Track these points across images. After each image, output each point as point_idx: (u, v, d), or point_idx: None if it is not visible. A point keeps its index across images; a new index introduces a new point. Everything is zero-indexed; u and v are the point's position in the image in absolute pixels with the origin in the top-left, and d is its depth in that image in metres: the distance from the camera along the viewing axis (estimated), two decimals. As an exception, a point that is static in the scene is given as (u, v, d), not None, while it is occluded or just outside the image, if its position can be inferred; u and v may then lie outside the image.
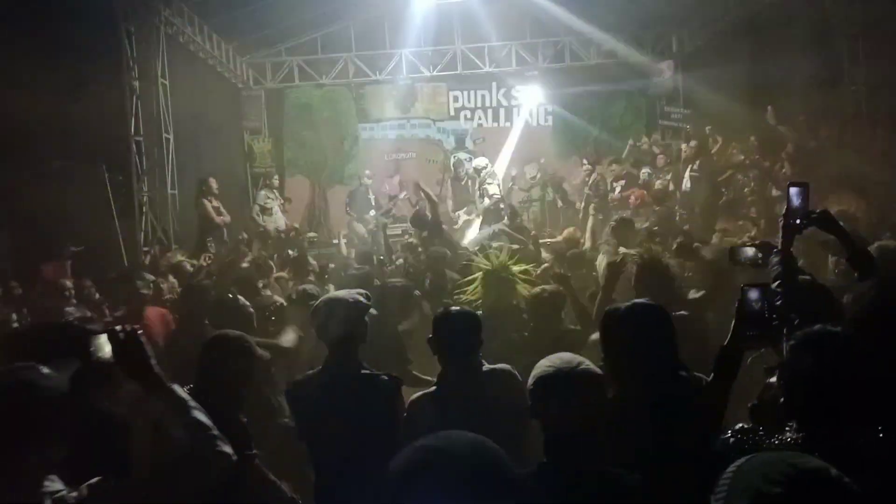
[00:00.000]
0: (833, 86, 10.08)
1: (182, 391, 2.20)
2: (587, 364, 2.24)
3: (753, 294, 2.42)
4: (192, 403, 2.18)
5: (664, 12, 12.92)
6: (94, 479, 2.01)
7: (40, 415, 1.97)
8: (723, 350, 2.47)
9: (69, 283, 6.72)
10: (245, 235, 10.68)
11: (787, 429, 1.97)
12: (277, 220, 12.75)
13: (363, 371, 3.22)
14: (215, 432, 2.15)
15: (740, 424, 2.04)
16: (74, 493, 1.97)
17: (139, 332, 2.21)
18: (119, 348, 2.17)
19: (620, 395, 2.58)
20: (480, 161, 13.51)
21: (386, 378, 3.20)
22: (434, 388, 3.10)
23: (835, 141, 9.74)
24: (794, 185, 2.96)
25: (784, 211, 2.93)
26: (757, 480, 1.30)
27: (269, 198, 13.03)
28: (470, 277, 5.07)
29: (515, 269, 4.95)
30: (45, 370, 2.05)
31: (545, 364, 2.24)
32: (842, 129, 9.89)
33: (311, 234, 13.33)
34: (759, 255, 3.03)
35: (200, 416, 2.16)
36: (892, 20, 8.78)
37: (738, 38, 11.86)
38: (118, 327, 2.20)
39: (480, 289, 4.89)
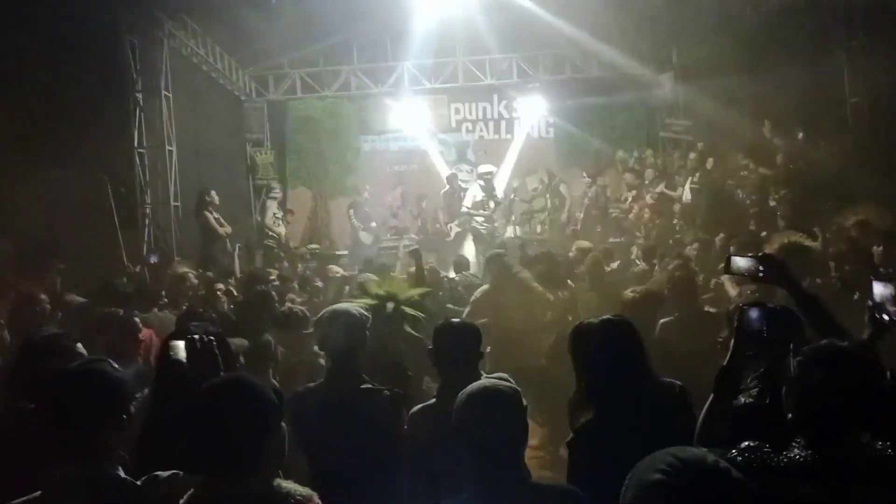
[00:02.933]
0: (833, 98, 10.10)
1: None
2: (506, 385, 2.33)
3: (753, 313, 2.38)
4: None
5: (664, 25, 12.98)
6: (166, 473, 2.20)
7: (112, 398, 2.21)
8: (722, 369, 2.43)
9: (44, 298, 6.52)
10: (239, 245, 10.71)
11: (794, 444, 1.96)
12: (282, 231, 12.85)
13: (365, 385, 3.23)
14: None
15: (746, 442, 2.03)
16: (139, 482, 2.17)
17: (214, 341, 2.50)
18: (194, 354, 2.45)
19: (596, 414, 2.62)
20: (486, 167, 13.54)
21: (388, 392, 3.21)
22: (434, 400, 3.10)
23: (834, 153, 9.75)
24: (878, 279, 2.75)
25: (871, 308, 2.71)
26: (642, 472, 1.35)
27: (277, 208, 13.19)
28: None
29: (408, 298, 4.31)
30: (114, 363, 2.32)
31: (469, 387, 2.32)
32: (842, 142, 9.90)
33: (314, 246, 13.37)
34: (759, 267, 2.85)
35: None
36: (891, 32, 8.82)
37: (737, 51, 11.90)
38: (196, 336, 2.50)
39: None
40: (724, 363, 2.42)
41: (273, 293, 5.91)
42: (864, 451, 1.88)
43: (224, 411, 2.01)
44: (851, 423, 1.90)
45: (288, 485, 2.06)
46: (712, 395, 2.44)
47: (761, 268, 2.85)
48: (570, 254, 7.89)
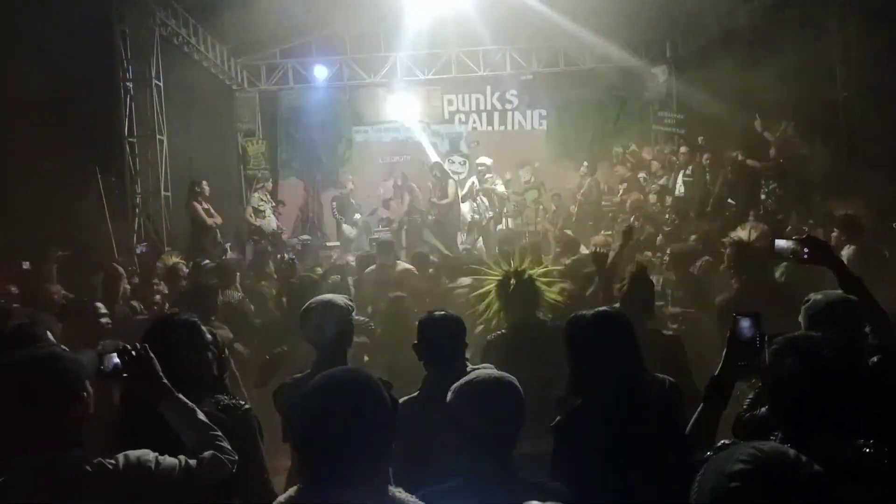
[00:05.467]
0: (825, 93, 10.12)
1: (186, 399, 2.42)
2: (504, 374, 2.34)
3: (745, 322, 2.33)
4: (198, 409, 2.42)
5: (658, 18, 12.97)
6: (135, 451, 2.22)
7: (66, 381, 2.20)
8: (713, 379, 2.42)
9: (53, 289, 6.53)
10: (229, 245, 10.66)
11: (771, 438, 1.97)
12: (270, 222, 12.77)
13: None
14: (219, 433, 2.39)
15: (723, 441, 2.04)
16: (112, 461, 2.18)
17: (148, 348, 2.44)
18: (130, 363, 2.39)
19: (585, 402, 2.63)
20: (485, 159, 13.51)
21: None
22: (419, 392, 3.10)
23: (826, 148, 9.79)
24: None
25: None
26: (723, 463, 1.36)
27: (262, 200, 13.04)
28: (479, 292, 4.25)
29: (536, 271, 4.17)
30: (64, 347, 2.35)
31: (474, 374, 2.34)
32: (834, 137, 9.94)
33: (305, 237, 13.34)
34: (804, 248, 2.87)
35: (205, 419, 2.41)
36: (885, 28, 8.83)
37: (731, 44, 11.91)
38: (129, 345, 2.43)
39: (496, 303, 4.10)
40: (716, 372, 2.41)
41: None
42: (840, 445, 1.89)
43: (341, 409, 1.80)
44: (825, 414, 1.90)
45: (402, 494, 1.90)
46: (702, 404, 2.44)
47: (805, 249, 2.88)
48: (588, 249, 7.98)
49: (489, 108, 15.76)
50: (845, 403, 1.93)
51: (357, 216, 13.76)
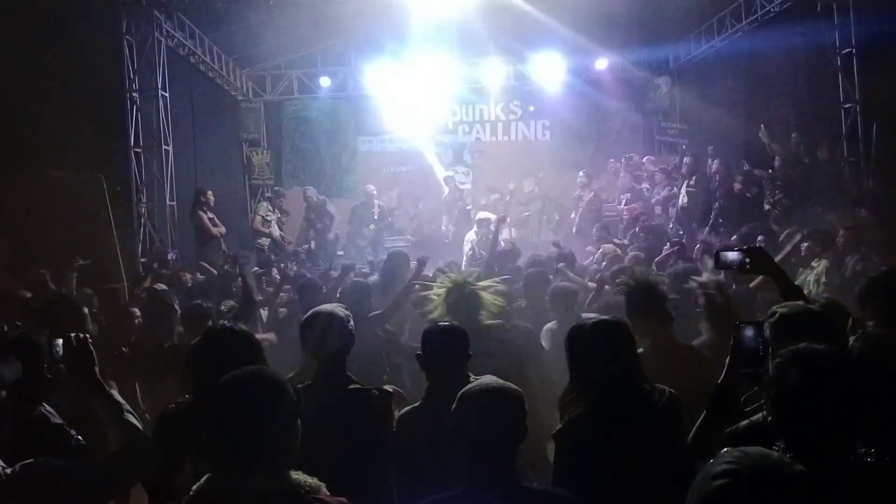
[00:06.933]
0: (827, 103, 10.15)
1: (118, 395, 2.49)
2: (507, 384, 2.35)
3: (748, 332, 2.37)
4: (126, 407, 2.47)
5: (661, 28, 13.02)
6: (29, 460, 2.24)
7: None
8: (717, 388, 2.44)
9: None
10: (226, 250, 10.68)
11: (773, 448, 1.98)
12: (274, 232, 12.82)
13: (353, 385, 3.24)
14: (144, 434, 2.45)
15: (725, 449, 2.05)
16: (8, 470, 2.19)
17: (89, 340, 2.49)
18: (70, 352, 2.45)
19: (586, 410, 2.65)
20: (486, 214, 11.80)
21: (376, 392, 3.22)
22: (422, 402, 3.12)
23: (828, 158, 9.80)
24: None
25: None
26: (710, 466, 1.39)
27: (269, 209, 13.09)
28: (427, 293, 4.60)
29: (481, 283, 4.47)
30: None
31: (477, 383, 2.37)
32: (836, 147, 9.96)
33: (308, 246, 13.35)
34: (746, 259, 3.01)
35: (132, 418, 2.45)
36: (886, 36, 8.87)
37: (733, 54, 11.96)
38: (72, 334, 2.48)
39: (442, 307, 4.39)
40: (719, 381, 2.43)
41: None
42: (844, 455, 1.90)
43: (245, 405, 1.98)
44: (828, 425, 1.92)
45: (297, 476, 2.03)
46: (705, 413, 2.45)
47: (748, 260, 3.01)
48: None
49: (493, 118, 15.82)
50: (848, 414, 1.94)
51: (371, 226, 13.56)
